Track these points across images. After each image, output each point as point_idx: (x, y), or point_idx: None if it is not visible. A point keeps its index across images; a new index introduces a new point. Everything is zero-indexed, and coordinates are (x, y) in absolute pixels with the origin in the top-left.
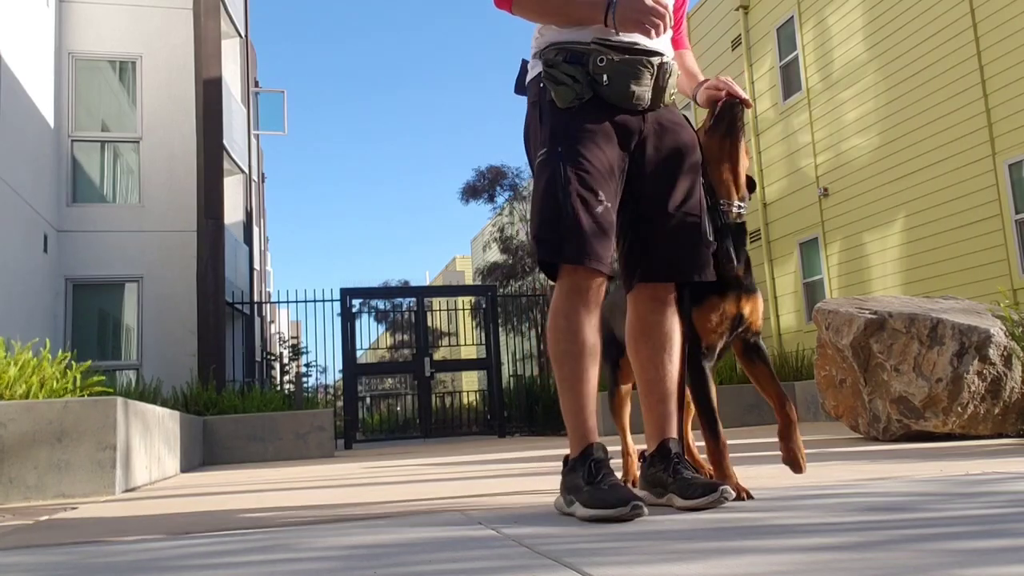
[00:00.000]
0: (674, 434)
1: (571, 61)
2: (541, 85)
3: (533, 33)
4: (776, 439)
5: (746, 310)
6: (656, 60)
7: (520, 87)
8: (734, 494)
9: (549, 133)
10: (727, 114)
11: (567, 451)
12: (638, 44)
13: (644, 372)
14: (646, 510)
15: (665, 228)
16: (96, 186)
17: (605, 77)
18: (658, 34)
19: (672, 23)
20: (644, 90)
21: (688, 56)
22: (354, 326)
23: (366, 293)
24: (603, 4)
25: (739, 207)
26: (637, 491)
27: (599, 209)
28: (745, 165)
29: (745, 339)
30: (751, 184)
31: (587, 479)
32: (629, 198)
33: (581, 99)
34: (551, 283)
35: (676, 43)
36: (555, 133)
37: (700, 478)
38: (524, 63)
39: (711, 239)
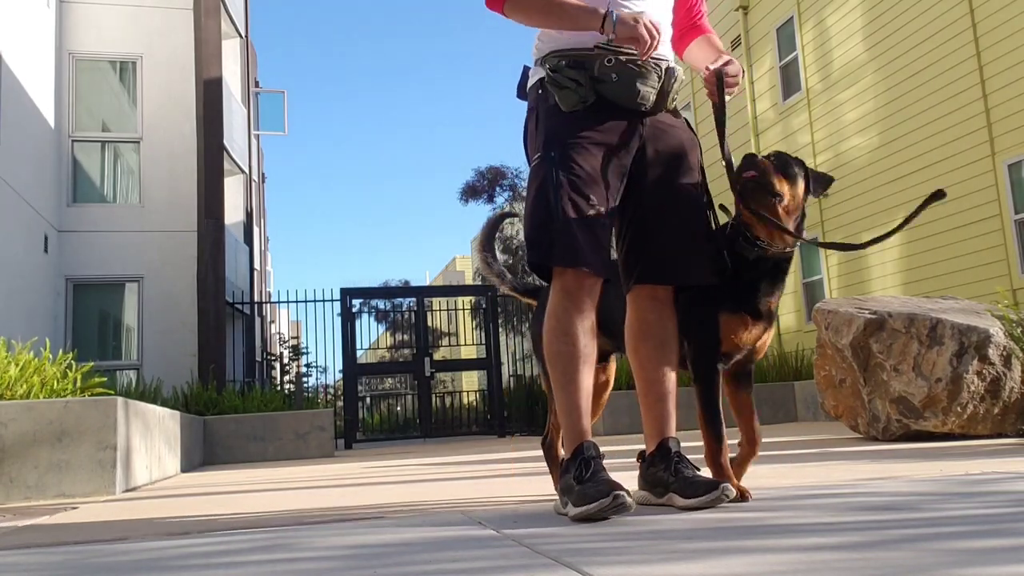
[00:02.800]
0: (673, 433)
1: (574, 66)
2: (540, 91)
3: (534, 40)
4: (775, 438)
5: (761, 340)
6: (663, 64)
7: (522, 92)
8: (735, 492)
9: (544, 138)
10: (746, 176)
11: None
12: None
13: (644, 371)
14: (630, 500)
15: (663, 231)
16: (96, 186)
17: (614, 75)
18: (646, 52)
19: (661, 37)
20: (650, 91)
21: (713, 37)
22: (354, 326)
23: (366, 293)
24: (600, 14)
25: (768, 245)
26: (637, 491)
27: (591, 212)
28: (791, 203)
29: (746, 366)
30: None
31: (577, 478)
32: (629, 200)
33: (585, 103)
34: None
35: (699, 28)
36: (549, 138)
37: (701, 477)
38: (526, 69)
39: (712, 242)
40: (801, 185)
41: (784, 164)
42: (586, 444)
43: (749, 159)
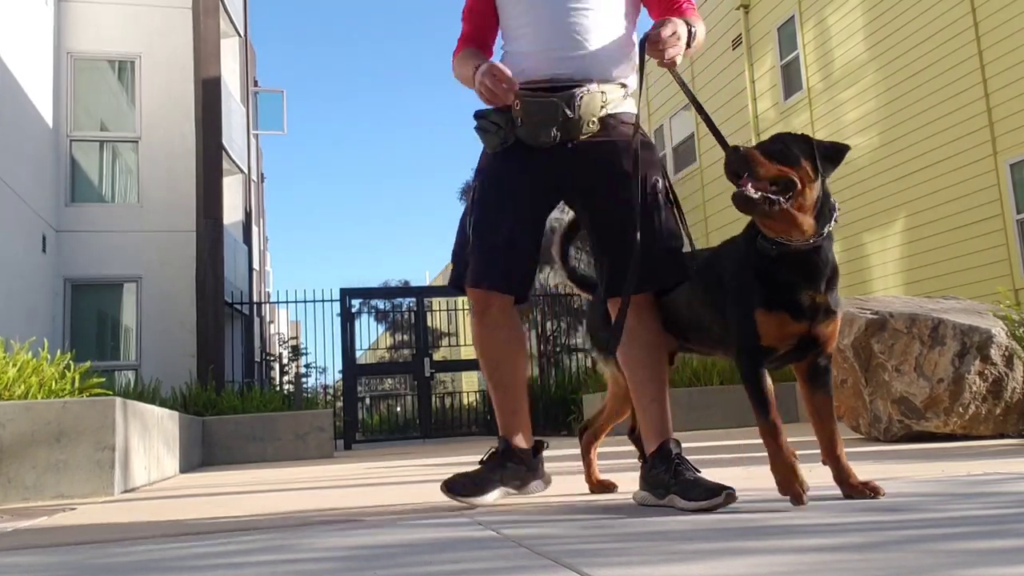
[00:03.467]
0: (672, 434)
1: (501, 109)
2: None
3: None
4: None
5: (819, 333)
6: (569, 93)
7: None
8: (737, 497)
9: (476, 171)
10: (727, 172)
11: (563, 451)
12: (553, 81)
13: (634, 375)
14: (465, 501)
15: (614, 245)
16: (95, 186)
17: (519, 119)
18: (489, 103)
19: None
20: (550, 130)
21: (689, 18)
22: (354, 326)
23: (366, 293)
24: (476, 67)
25: (786, 240)
26: (639, 491)
27: (496, 238)
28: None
29: (815, 361)
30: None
31: (481, 462)
32: (582, 221)
33: (505, 143)
34: (548, 285)
35: (679, 12)
36: (478, 171)
37: (703, 480)
38: None
39: (667, 243)
40: (805, 166)
41: (774, 149)
42: (500, 439)
43: (730, 154)
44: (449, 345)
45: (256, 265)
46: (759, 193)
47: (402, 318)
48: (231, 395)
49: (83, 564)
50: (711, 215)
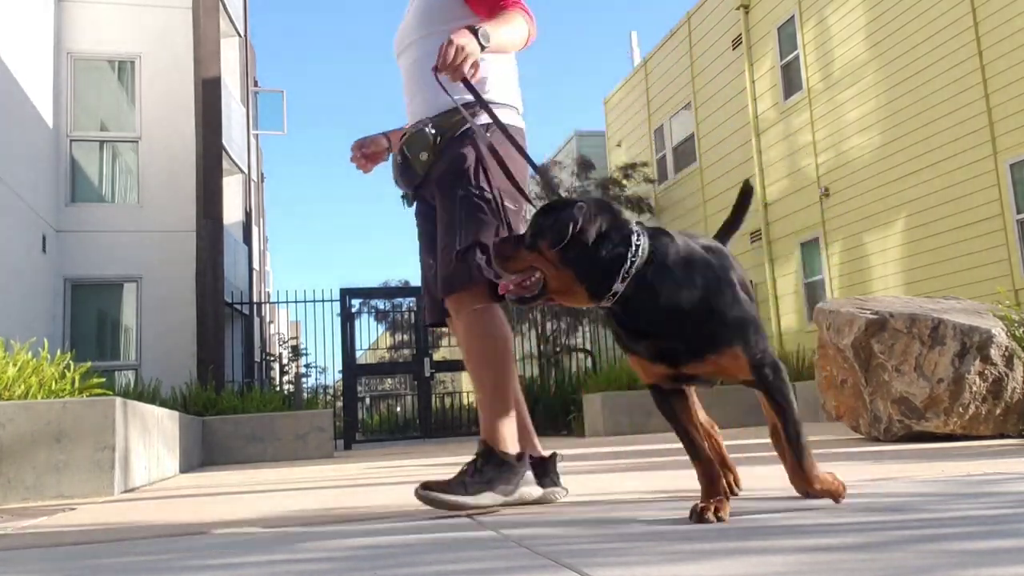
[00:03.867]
0: (496, 443)
1: None
2: None
3: None
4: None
5: (692, 373)
6: (401, 143)
7: None
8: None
9: None
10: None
11: (563, 451)
12: (408, 133)
13: (475, 387)
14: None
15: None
16: (95, 186)
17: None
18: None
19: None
20: (399, 175)
21: (488, 24)
22: (354, 326)
23: (366, 293)
24: None
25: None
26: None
27: (427, 277)
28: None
29: (748, 383)
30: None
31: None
32: None
33: (405, 196)
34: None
35: (501, 7)
36: None
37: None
38: None
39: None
40: (542, 248)
41: (527, 232)
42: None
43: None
44: (449, 345)
45: (256, 265)
46: (514, 295)
47: (402, 318)
48: (231, 395)
49: (83, 564)
50: (711, 215)
